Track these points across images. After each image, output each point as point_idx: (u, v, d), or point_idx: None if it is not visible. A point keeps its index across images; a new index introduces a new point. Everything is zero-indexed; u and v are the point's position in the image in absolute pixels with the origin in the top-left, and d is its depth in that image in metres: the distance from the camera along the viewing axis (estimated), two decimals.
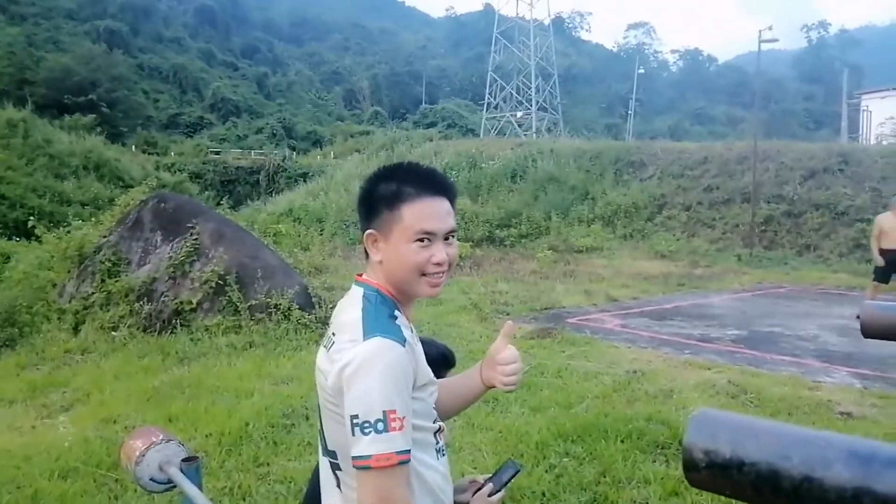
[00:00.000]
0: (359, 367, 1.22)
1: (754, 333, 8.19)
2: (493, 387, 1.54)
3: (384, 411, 1.18)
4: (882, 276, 9.11)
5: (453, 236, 1.37)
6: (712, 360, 6.62)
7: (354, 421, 1.20)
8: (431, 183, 1.36)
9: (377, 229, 1.35)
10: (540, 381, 5.75)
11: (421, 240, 1.31)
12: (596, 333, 7.89)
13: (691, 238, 18.27)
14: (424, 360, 1.36)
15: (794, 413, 4.83)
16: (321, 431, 1.40)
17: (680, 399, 5.23)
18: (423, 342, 1.49)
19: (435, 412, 1.41)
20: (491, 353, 1.54)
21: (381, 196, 1.36)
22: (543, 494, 3.59)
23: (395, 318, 1.33)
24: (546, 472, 3.87)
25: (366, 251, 1.40)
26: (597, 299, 10.63)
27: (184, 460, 2.07)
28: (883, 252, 8.98)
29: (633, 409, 4.93)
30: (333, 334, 1.35)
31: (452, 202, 1.39)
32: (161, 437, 2.10)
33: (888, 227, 8.98)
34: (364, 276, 1.42)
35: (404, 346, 1.26)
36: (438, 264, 1.32)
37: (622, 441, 4.27)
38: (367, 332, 1.26)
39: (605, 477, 3.82)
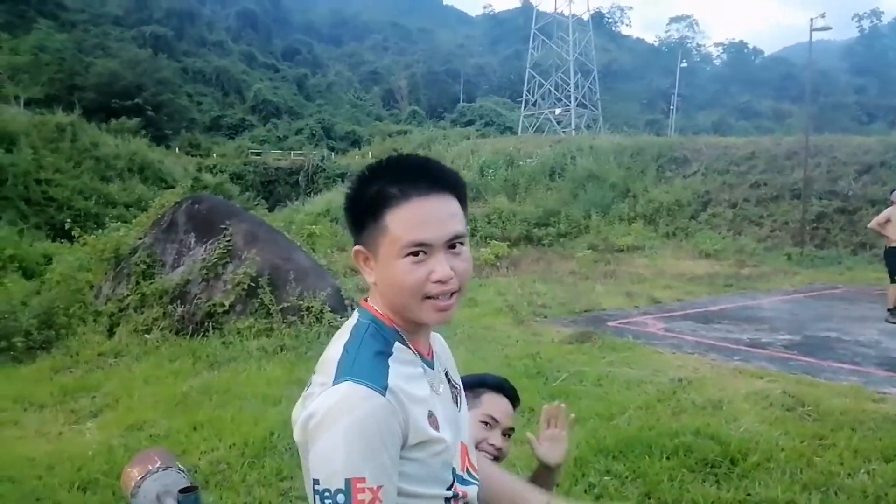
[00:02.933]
0: (322, 420, 0.98)
1: (809, 339, 7.72)
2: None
3: (346, 479, 0.94)
4: None
5: (461, 243, 1.06)
6: (764, 368, 6.23)
7: (315, 487, 0.97)
8: (422, 178, 1.06)
9: (364, 245, 1.08)
10: (579, 389, 5.47)
11: (413, 253, 1.03)
12: (638, 338, 7.54)
13: (738, 236, 17.65)
14: (425, 414, 1.06)
15: (858, 429, 4.43)
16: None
17: (730, 411, 4.88)
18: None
19: (451, 476, 1.11)
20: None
21: (364, 203, 1.07)
22: None
23: (387, 354, 1.06)
24: (585, 491, 3.60)
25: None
26: (639, 301, 10.25)
27: (181, 490, 1.89)
28: (895, 250, 8.78)
29: (680, 422, 4.61)
30: (315, 372, 1.10)
31: (459, 197, 1.09)
32: (159, 463, 1.92)
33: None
34: (367, 301, 1.15)
35: (384, 394, 0.99)
36: (441, 281, 1.03)
37: (668, 458, 3.97)
38: (339, 375, 1.01)
39: (649, 498, 3.54)
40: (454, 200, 1.08)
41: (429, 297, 1.05)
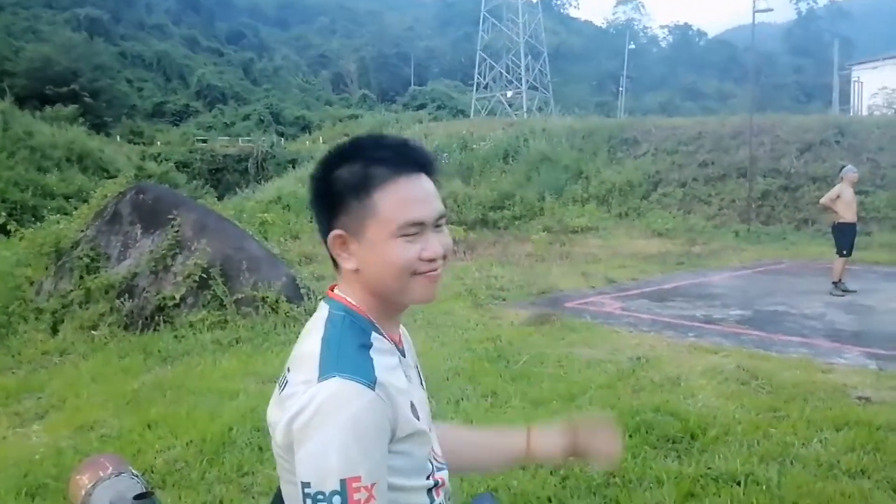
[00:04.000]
0: (311, 418, 0.93)
1: (759, 313, 7.95)
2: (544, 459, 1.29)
3: (342, 480, 0.91)
4: (849, 248, 9.14)
5: (444, 222, 1.09)
6: (718, 344, 6.38)
7: (306, 490, 0.92)
8: (407, 158, 1.05)
9: (345, 228, 1.05)
10: (540, 371, 5.49)
11: (407, 234, 1.02)
12: (596, 318, 7.63)
13: (688, 215, 18.05)
14: (409, 405, 1.04)
15: (810, 400, 4.58)
16: (278, 497, 1.12)
17: (688, 387, 4.97)
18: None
19: (431, 464, 1.10)
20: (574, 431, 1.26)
21: (343, 184, 1.04)
22: (549, 500, 3.33)
23: (368, 346, 1.03)
24: (551, 474, 3.60)
25: (333, 259, 1.09)
26: (595, 281, 10.37)
27: (136, 497, 1.79)
28: (842, 225, 9.07)
29: (640, 400, 4.67)
30: (288, 370, 1.05)
31: (435, 180, 1.10)
32: (110, 469, 1.82)
33: (849, 199, 9.06)
34: (335, 291, 1.11)
35: (374, 388, 0.96)
36: (432, 259, 1.04)
37: (630, 436, 4.01)
38: (324, 371, 0.96)
39: (613, 477, 3.55)
40: (432, 182, 1.08)
41: (416, 274, 1.04)
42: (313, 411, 0.93)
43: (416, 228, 1.03)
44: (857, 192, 16.43)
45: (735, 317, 7.75)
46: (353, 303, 1.07)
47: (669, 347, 6.25)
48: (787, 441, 3.91)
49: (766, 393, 4.82)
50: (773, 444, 3.86)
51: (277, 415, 1.01)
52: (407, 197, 1.03)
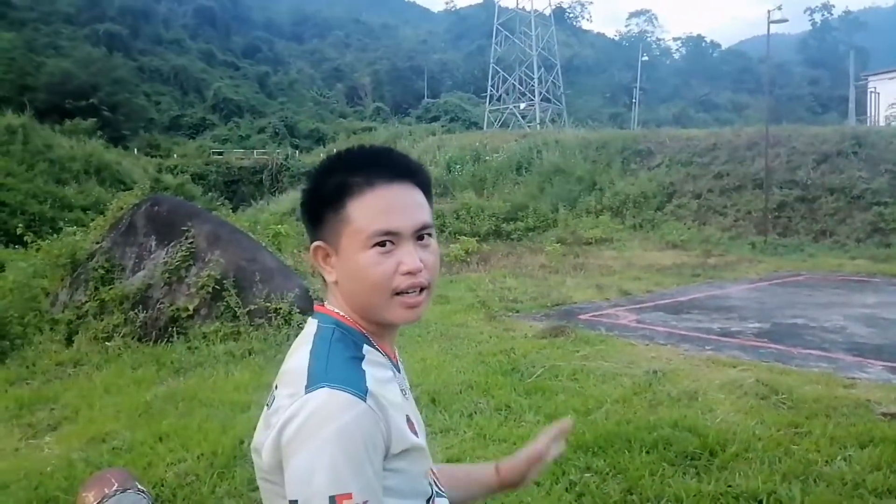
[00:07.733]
0: (298, 431, 0.87)
1: (777, 326, 7.82)
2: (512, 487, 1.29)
3: (331, 497, 0.84)
4: None
5: (429, 234, 1.01)
6: (736, 357, 6.27)
7: None
8: (387, 166, 1.00)
9: (325, 239, 1.00)
10: (554, 384, 5.41)
11: (380, 243, 0.96)
12: (611, 330, 7.54)
13: (703, 226, 17.90)
14: (404, 419, 0.98)
15: (832, 416, 4.46)
16: None
17: (706, 402, 4.87)
18: None
19: (430, 485, 1.03)
20: (536, 451, 1.25)
21: (322, 195, 1.01)
22: None
23: (360, 358, 0.96)
24: (566, 490, 3.54)
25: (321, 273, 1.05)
26: (609, 293, 10.27)
27: None
28: None
29: (657, 415, 4.58)
30: (276, 388, 0.98)
31: (424, 190, 1.03)
32: (116, 485, 1.79)
33: None
34: (325, 305, 1.06)
35: (365, 399, 0.89)
36: (410, 273, 0.97)
37: (647, 452, 3.93)
38: (313, 382, 0.90)
39: (631, 495, 3.48)
40: (419, 191, 1.02)
41: (397, 294, 0.98)
42: (300, 424, 0.87)
43: (389, 238, 0.96)
44: (875, 204, 16.29)
45: (753, 330, 7.63)
46: (344, 315, 1.02)
47: (686, 361, 6.15)
48: (809, 458, 3.80)
49: (787, 408, 4.71)
50: (795, 462, 3.76)
51: (263, 434, 0.94)
52: (381, 206, 0.97)
